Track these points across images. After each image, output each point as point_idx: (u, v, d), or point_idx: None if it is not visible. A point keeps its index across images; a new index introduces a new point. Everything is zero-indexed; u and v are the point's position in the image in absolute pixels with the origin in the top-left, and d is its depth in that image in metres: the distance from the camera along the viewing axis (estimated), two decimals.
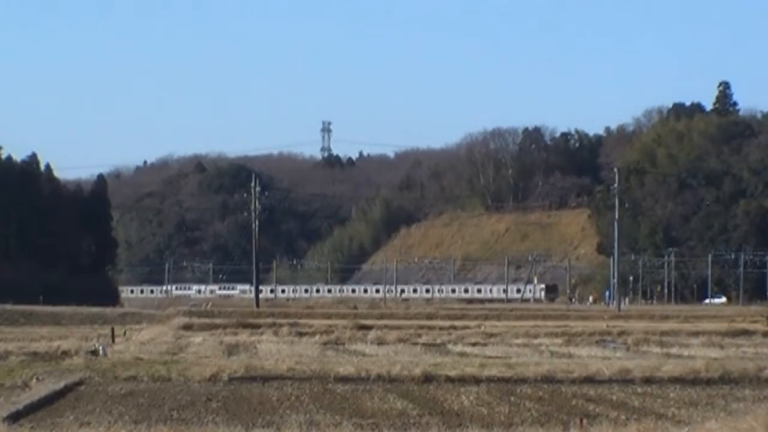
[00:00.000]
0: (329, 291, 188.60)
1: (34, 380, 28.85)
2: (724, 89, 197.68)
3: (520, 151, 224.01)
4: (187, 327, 60.29)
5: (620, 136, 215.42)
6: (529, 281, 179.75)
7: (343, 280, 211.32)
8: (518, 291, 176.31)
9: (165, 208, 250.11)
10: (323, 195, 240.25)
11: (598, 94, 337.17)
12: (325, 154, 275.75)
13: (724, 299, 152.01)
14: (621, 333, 55.17)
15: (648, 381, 29.47)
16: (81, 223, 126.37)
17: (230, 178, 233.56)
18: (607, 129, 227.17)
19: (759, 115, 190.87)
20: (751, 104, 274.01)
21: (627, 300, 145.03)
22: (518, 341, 49.29)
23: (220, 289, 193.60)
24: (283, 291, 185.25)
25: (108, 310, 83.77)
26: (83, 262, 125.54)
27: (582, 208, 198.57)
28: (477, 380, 29.32)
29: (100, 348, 39.63)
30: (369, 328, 57.47)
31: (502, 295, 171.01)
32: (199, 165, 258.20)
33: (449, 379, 29.36)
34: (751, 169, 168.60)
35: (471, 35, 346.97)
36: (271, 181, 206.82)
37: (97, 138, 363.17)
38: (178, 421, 21.45)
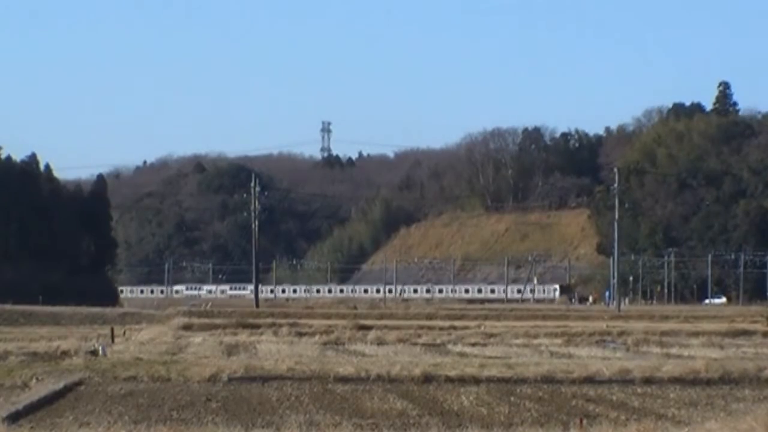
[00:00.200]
0: (329, 291, 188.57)
1: (34, 380, 28.83)
2: (724, 89, 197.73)
3: (520, 151, 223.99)
4: (187, 327, 60.30)
5: (620, 136, 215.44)
6: (529, 281, 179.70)
7: (343, 280, 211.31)
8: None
9: (165, 208, 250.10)
10: (323, 195, 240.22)
11: (598, 94, 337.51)
12: (325, 154, 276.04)
13: (724, 299, 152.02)
14: (621, 333, 55.17)
15: (648, 381, 29.45)
16: (81, 223, 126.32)
17: (230, 178, 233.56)
18: (607, 129, 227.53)
19: (759, 115, 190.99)
20: (751, 104, 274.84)
21: (627, 300, 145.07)
22: (518, 341, 49.29)
23: (231, 289, 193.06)
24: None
25: (107, 310, 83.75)
26: (83, 262, 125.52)
27: (582, 208, 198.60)
28: (477, 380, 29.30)
29: (100, 348, 39.60)
30: (369, 328, 57.48)
31: (515, 295, 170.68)
32: (198, 165, 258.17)
33: (449, 380, 29.34)
34: (751, 169, 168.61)
35: (471, 35, 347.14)
36: (271, 181, 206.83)
37: (96, 138, 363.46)
38: (178, 422, 21.43)
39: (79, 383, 28.48)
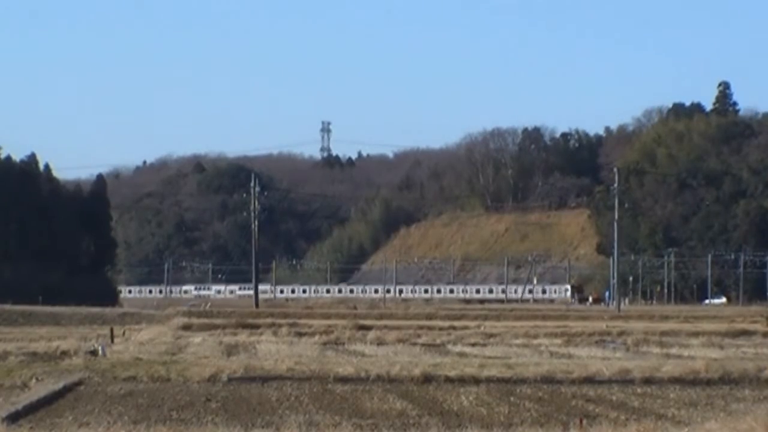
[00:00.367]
0: (328, 291, 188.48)
1: (34, 380, 28.81)
2: (724, 89, 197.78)
3: (520, 151, 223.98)
4: (187, 327, 60.30)
5: (620, 136, 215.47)
6: (529, 281, 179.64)
7: (343, 280, 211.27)
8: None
9: (164, 208, 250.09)
10: (323, 195, 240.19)
11: (598, 94, 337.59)
12: (325, 154, 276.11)
13: (724, 299, 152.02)
14: (621, 333, 55.18)
15: (648, 381, 29.44)
16: (80, 224, 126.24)
17: (230, 178, 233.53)
18: (607, 129, 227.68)
19: (759, 115, 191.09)
20: (751, 104, 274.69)
21: (627, 300, 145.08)
22: (518, 341, 49.29)
23: (240, 289, 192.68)
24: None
25: (107, 311, 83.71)
26: (82, 263, 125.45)
27: (582, 209, 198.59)
28: (476, 380, 29.29)
29: (100, 348, 39.57)
30: (368, 328, 57.48)
31: (526, 295, 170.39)
32: (198, 165, 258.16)
33: (449, 380, 29.33)
34: (751, 169, 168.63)
35: (471, 35, 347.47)
36: (271, 181, 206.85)
37: (96, 138, 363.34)
38: (178, 422, 21.42)
39: (78, 383, 28.47)
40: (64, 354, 39.03)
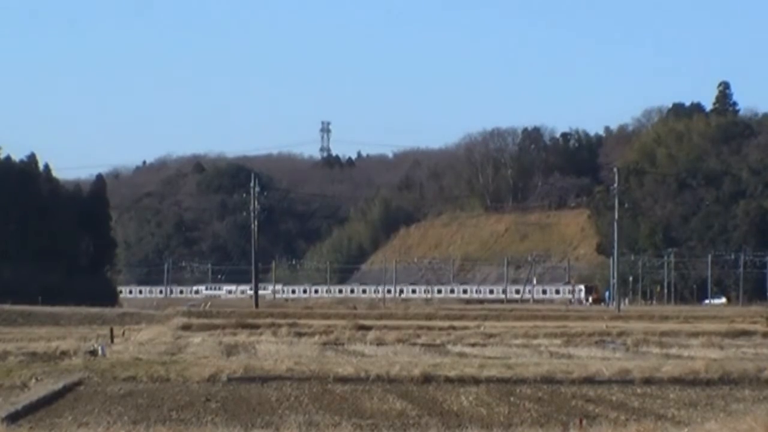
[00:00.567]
0: (328, 291, 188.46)
1: (33, 380, 28.80)
2: (724, 89, 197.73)
3: (520, 151, 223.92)
4: (186, 327, 60.32)
5: (620, 136, 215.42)
6: (529, 281, 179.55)
7: (342, 280, 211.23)
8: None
9: (164, 208, 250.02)
10: (322, 195, 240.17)
11: (598, 94, 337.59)
12: (325, 154, 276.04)
13: (723, 300, 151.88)
14: (620, 333, 55.18)
15: (647, 381, 29.44)
16: (80, 224, 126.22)
17: (229, 178, 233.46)
18: (607, 129, 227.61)
19: (759, 115, 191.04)
20: (750, 104, 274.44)
21: (626, 300, 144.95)
22: (517, 342, 49.29)
23: (251, 289, 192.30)
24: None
25: (107, 311, 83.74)
26: (82, 263, 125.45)
27: (581, 209, 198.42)
28: (476, 381, 29.29)
29: (99, 348, 39.56)
30: (368, 328, 57.49)
31: (539, 295, 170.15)
32: (198, 165, 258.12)
33: (448, 380, 29.32)
34: (751, 169, 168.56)
35: (470, 35, 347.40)
36: (271, 181, 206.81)
37: (95, 138, 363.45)
38: (177, 422, 21.41)
39: (78, 383, 28.46)
40: (64, 354, 39.03)
